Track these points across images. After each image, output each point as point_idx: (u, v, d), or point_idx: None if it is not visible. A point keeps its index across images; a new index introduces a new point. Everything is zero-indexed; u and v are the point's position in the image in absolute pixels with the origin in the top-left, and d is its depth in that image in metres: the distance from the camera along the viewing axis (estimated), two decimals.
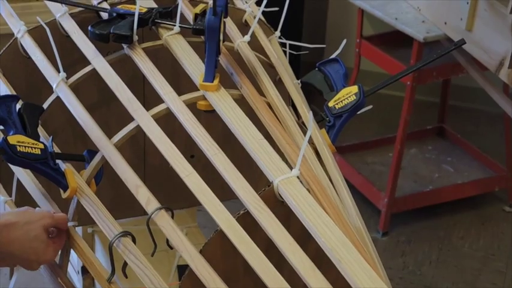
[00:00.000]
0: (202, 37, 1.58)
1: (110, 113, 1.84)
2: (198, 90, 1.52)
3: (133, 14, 1.60)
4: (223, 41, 1.55)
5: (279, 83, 1.68)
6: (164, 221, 1.36)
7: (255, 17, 1.74)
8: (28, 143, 1.41)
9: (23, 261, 1.40)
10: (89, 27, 1.61)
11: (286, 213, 1.31)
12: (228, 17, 1.67)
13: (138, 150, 1.99)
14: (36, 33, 1.73)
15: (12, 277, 1.65)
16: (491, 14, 2.75)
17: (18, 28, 1.76)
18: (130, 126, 1.49)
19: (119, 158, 1.46)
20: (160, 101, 1.52)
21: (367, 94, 1.59)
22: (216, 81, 1.50)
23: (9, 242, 1.35)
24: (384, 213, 3.43)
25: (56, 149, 1.50)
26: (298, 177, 1.34)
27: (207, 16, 1.46)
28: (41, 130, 1.53)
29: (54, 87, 1.62)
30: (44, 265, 1.51)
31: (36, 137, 1.44)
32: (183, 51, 1.60)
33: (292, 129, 1.51)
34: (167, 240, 1.36)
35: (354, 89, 1.57)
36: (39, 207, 1.51)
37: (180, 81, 1.61)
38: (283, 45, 1.86)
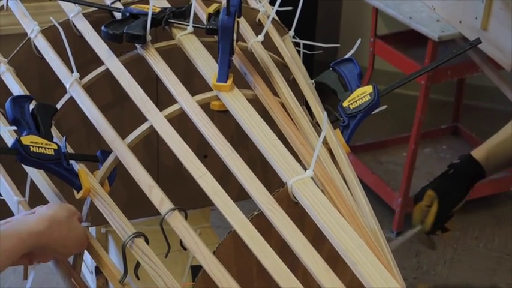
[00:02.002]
0: (215, 37, 1.57)
1: (123, 114, 1.84)
2: (212, 90, 1.51)
3: (146, 14, 1.60)
4: (237, 41, 1.54)
5: (292, 83, 1.67)
6: (177, 222, 1.35)
7: (268, 17, 1.73)
8: (41, 144, 1.41)
9: (62, 254, 1.43)
10: (102, 27, 1.61)
11: (300, 214, 1.30)
12: (242, 17, 1.66)
13: (152, 150, 1.99)
14: (50, 33, 1.73)
15: (28, 277, 1.64)
16: (506, 12, 2.74)
17: (32, 28, 1.76)
18: (144, 126, 1.49)
19: (132, 159, 1.45)
20: (173, 101, 1.51)
21: (382, 94, 1.58)
22: (229, 81, 1.49)
23: (60, 237, 1.37)
24: (398, 213, 3.42)
25: (69, 150, 1.50)
26: (312, 177, 1.33)
27: (221, 16, 1.45)
28: (54, 130, 1.53)
29: (67, 87, 1.62)
30: (58, 265, 1.51)
31: (49, 138, 1.44)
32: (196, 51, 1.59)
33: (306, 130, 1.51)
34: (181, 241, 1.35)
35: (369, 88, 1.56)
36: None
37: (194, 82, 1.61)
38: (297, 44, 1.85)
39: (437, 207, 1.78)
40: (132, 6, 1.67)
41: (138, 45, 1.62)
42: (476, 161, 1.82)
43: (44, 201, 1.52)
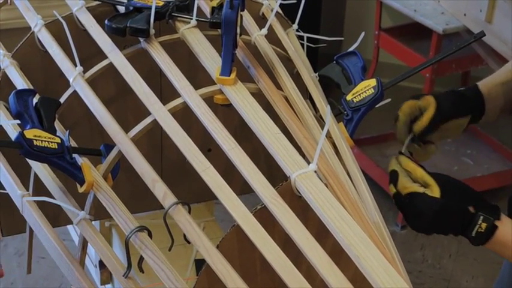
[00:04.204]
0: (219, 30, 1.57)
1: (126, 107, 1.84)
2: (215, 84, 1.51)
3: (150, 8, 1.60)
4: (240, 35, 1.54)
5: (296, 76, 1.67)
6: (181, 216, 1.35)
7: (272, 10, 1.73)
8: (45, 137, 1.41)
9: None
10: (106, 21, 1.61)
11: (304, 208, 1.30)
12: (245, 10, 1.65)
13: (155, 144, 1.99)
14: (53, 27, 1.73)
15: (31, 271, 1.65)
16: (510, 5, 2.73)
17: (35, 22, 1.75)
18: (147, 120, 1.49)
19: (136, 152, 1.45)
20: (177, 94, 1.51)
21: (386, 87, 1.58)
22: (232, 75, 1.49)
23: None
24: None
25: (73, 143, 1.50)
26: (315, 171, 1.33)
27: (224, 9, 1.45)
28: (57, 124, 1.53)
29: (71, 81, 1.62)
30: (61, 258, 1.51)
31: (52, 131, 1.44)
32: (199, 44, 1.59)
33: (309, 123, 1.51)
34: (184, 235, 1.35)
35: (372, 82, 1.56)
36: (55, 199, 1.51)
37: (197, 75, 1.61)
38: (300, 38, 1.85)
39: (433, 111, 1.62)
40: (136, 0, 1.67)
41: (141, 39, 1.62)
42: (481, 94, 1.70)
43: (47, 194, 1.53)
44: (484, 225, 1.44)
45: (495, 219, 1.45)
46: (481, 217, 1.44)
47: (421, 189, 1.46)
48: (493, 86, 1.72)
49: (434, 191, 1.46)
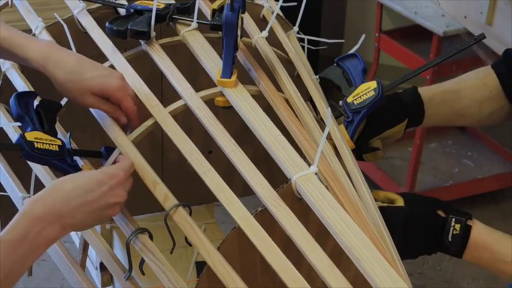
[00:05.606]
0: (220, 33, 1.57)
1: None
2: (216, 86, 1.51)
3: (150, 10, 1.60)
4: (241, 37, 1.54)
5: (297, 79, 1.67)
6: (182, 218, 1.35)
7: (273, 12, 1.73)
8: (45, 140, 1.41)
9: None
10: (107, 24, 1.61)
11: (304, 210, 1.30)
12: (246, 13, 1.66)
13: (156, 146, 1.99)
14: (54, 30, 1.73)
15: (32, 273, 1.65)
16: (511, 7, 2.74)
17: (36, 24, 1.76)
18: (148, 122, 1.49)
19: (137, 155, 1.45)
20: (177, 97, 1.51)
21: (386, 89, 1.58)
22: (233, 77, 1.49)
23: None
24: None
25: (74, 146, 1.50)
26: (316, 173, 1.33)
27: (225, 12, 1.45)
28: (58, 127, 1.53)
29: None
30: (62, 260, 1.51)
31: (53, 134, 1.44)
32: (200, 47, 1.59)
33: (310, 125, 1.51)
34: (185, 237, 1.35)
35: (373, 84, 1.56)
36: None
37: (198, 78, 1.61)
38: (301, 40, 1.85)
39: (364, 125, 1.59)
40: (137, 3, 1.67)
41: (142, 42, 1.62)
42: (420, 97, 1.68)
43: None
44: (458, 226, 1.44)
45: (467, 219, 1.45)
46: (453, 219, 1.45)
47: (385, 204, 1.48)
48: (437, 93, 1.71)
49: (399, 202, 1.48)
